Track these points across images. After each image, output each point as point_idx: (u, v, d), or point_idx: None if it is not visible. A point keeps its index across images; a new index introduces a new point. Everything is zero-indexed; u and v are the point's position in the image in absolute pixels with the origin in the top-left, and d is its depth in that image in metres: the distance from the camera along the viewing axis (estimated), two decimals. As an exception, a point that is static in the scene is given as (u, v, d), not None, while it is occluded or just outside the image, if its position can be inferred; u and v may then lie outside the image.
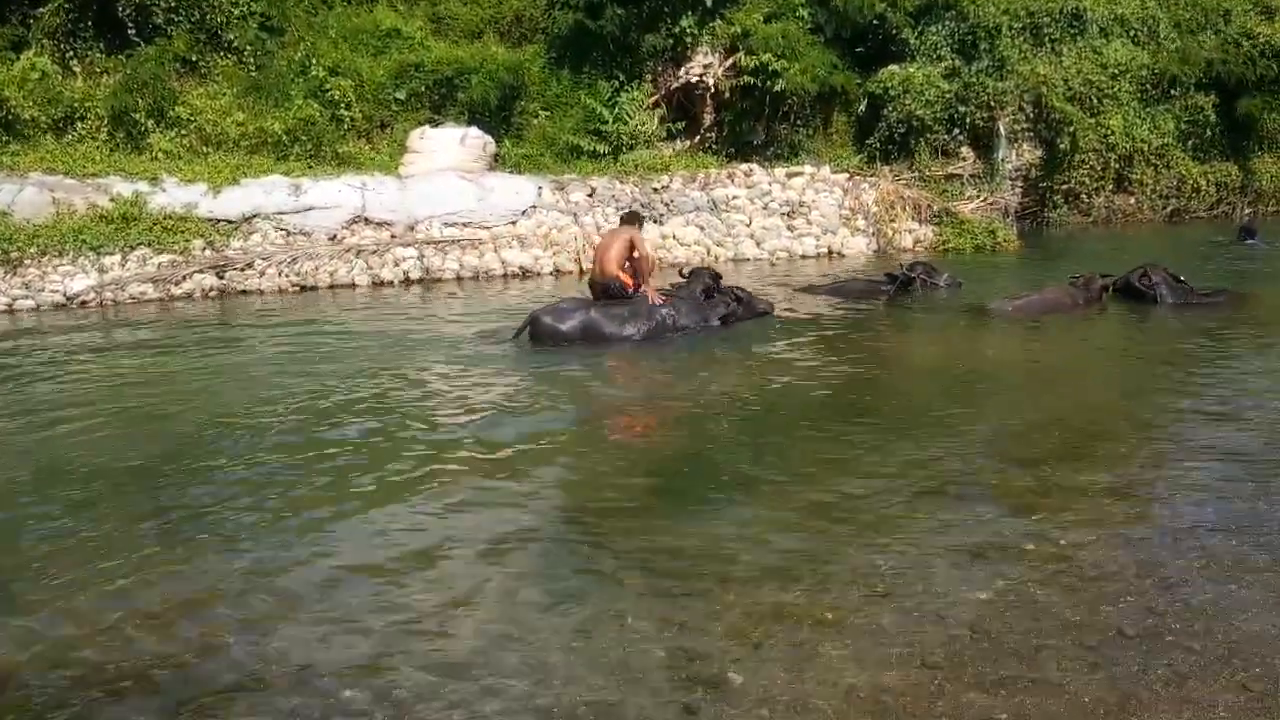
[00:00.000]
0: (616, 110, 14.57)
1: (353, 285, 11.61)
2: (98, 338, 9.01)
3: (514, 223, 12.56)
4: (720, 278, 8.69)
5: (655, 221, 12.75)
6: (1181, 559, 3.59)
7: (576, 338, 7.38)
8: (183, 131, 13.19)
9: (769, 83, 14.75)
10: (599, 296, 8.15)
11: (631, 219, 8.59)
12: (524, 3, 16.18)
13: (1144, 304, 8.56)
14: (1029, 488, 4.33)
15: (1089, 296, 8.58)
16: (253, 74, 14.24)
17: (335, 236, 11.99)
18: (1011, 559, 3.62)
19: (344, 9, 15.45)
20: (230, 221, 11.73)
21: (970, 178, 15.65)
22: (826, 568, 3.59)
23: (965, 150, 15.79)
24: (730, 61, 15.27)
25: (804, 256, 13.24)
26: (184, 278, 11.10)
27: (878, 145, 15.51)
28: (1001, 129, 15.76)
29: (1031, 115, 15.87)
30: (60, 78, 13.34)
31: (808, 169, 14.10)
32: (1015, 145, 16.01)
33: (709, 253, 12.89)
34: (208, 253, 11.43)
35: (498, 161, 14.14)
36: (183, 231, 11.41)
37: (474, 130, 13.87)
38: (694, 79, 15.36)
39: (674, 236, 12.96)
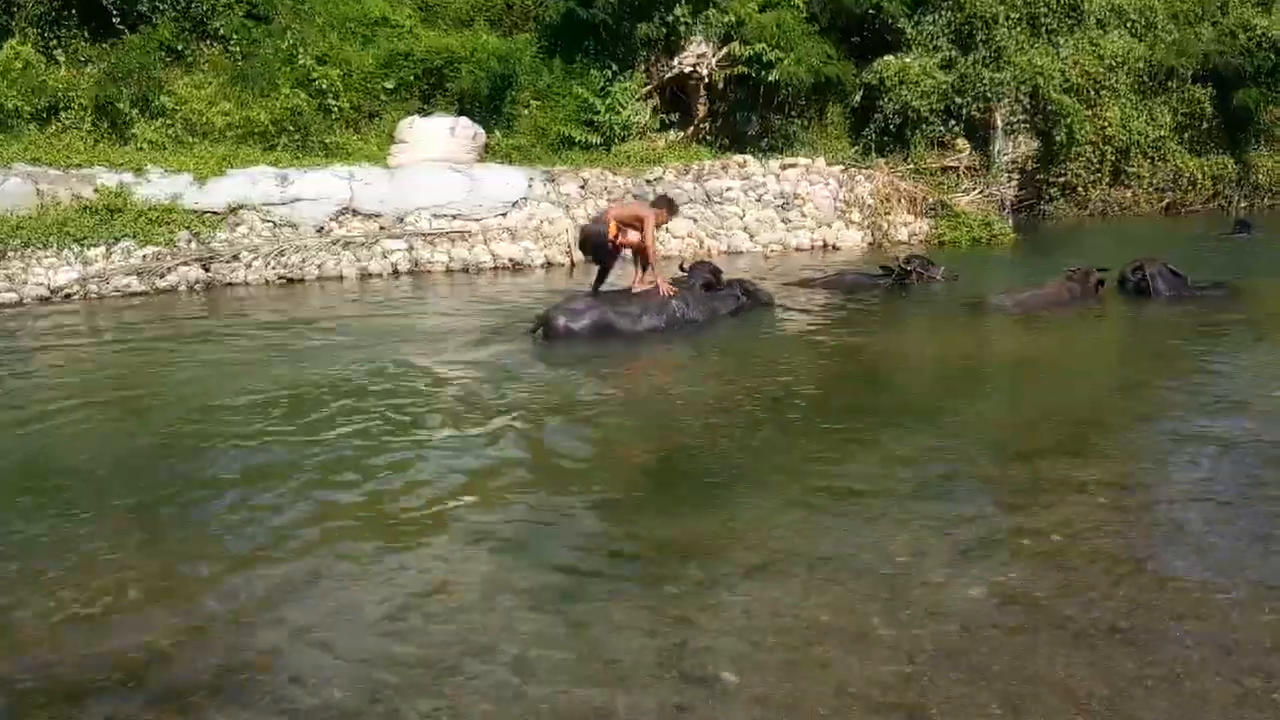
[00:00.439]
0: (609, 100, 14.45)
1: (340, 277, 11.49)
2: (81, 330, 8.89)
3: (504, 215, 12.43)
4: (720, 272, 8.64)
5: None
6: (1177, 553, 3.52)
7: (590, 335, 7.25)
8: (168, 121, 13.06)
9: (763, 73, 14.65)
10: (585, 244, 8.19)
11: (663, 202, 8.50)
12: (515, -9, 16.07)
13: (1141, 297, 8.47)
14: (1024, 482, 4.25)
15: (1086, 290, 8.48)
16: (239, 63, 14.10)
17: (323, 228, 11.86)
18: (1005, 553, 3.54)
19: (332, -3, 15.31)
20: (216, 213, 11.58)
21: (966, 170, 15.58)
22: (819, 563, 3.50)
23: (961, 142, 15.71)
24: (724, 51, 15.16)
25: (798, 249, 13.14)
26: (169, 270, 10.96)
27: (873, 137, 15.42)
28: (998, 121, 15.67)
29: (1028, 107, 15.80)
30: (44, 67, 13.17)
31: (802, 161, 13.99)
32: (1012, 137, 15.94)
33: (702, 245, 12.78)
34: (193, 245, 11.29)
35: (488, 152, 14.02)
36: (168, 223, 11.27)
37: (464, 120, 13.74)
38: (687, 69, 15.25)
39: (667, 229, 12.83)
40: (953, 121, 15.51)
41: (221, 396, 6.07)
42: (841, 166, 14.23)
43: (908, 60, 15.53)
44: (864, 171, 14.20)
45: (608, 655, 2.94)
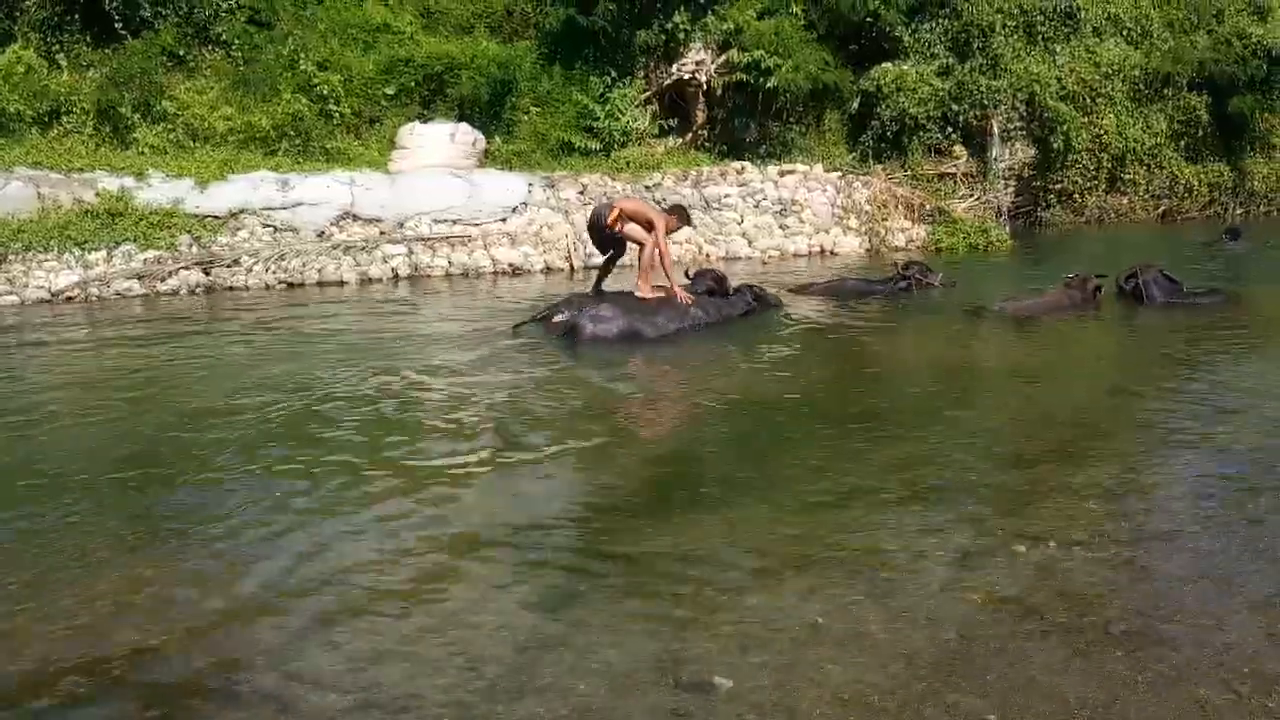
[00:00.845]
0: (608, 107, 14.50)
1: (340, 282, 11.52)
2: (80, 334, 8.91)
3: (504, 220, 12.48)
4: (724, 279, 8.74)
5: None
6: (1172, 561, 3.56)
7: (616, 341, 7.43)
8: (169, 126, 13.11)
9: (762, 80, 14.71)
10: (592, 228, 8.43)
11: (676, 210, 8.68)
12: (515, -2, 16.12)
13: (1136, 304, 8.53)
14: (1020, 487, 4.29)
15: (1085, 297, 8.56)
16: (240, 68, 14.15)
17: (323, 233, 11.90)
18: (1001, 559, 3.57)
19: (333, 3, 15.35)
20: (217, 217, 11.63)
21: (963, 177, 15.63)
22: (815, 569, 3.53)
23: (958, 149, 15.76)
24: (723, 58, 15.22)
25: (796, 255, 13.19)
26: (169, 274, 10.99)
27: (871, 143, 15.48)
28: (995, 128, 15.73)
29: (1025, 114, 15.86)
30: (46, 71, 13.22)
31: (800, 167, 14.04)
32: (1008, 144, 16.00)
33: (700, 251, 12.83)
34: (194, 249, 11.33)
35: (488, 158, 14.07)
36: (169, 227, 11.31)
37: (464, 126, 13.79)
38: (686, 75, 15.31)
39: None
40: (950, 128, 15.57)
41: (217, 399, 6.11)
42: (839, 173, 14.29)
43: (905, 67, 15.59)
44: (861, 178, 14.26)
45: (602, 660, 2.96)
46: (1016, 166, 16.09)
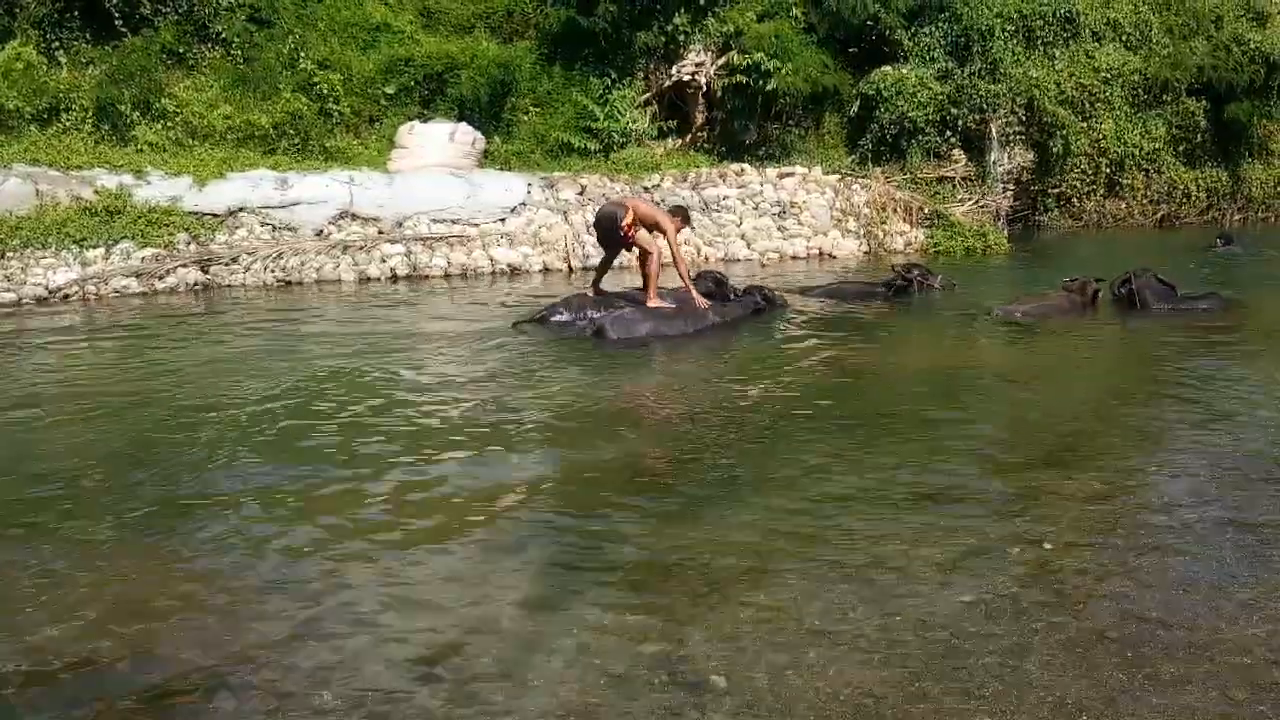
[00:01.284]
0: (608, 108, 14.50)
1: (339, 281, 11.52)
2: (77, 331, 8.91)
3: (503, 220, 12.47)
4: (725, 281, 8.79)
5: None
6: (1167, 565, 3.57)
7: (642, 343, 7.70)
8: (169, 124, 13.07)
9: (761, 82, 14.71)
10: (599, 222, 8.42)
11: (680, 212, 8.76)
12: (516, -2, 16.11)
13: (1131, 309, 8.55)
14: (1015, 491, 4.31)
15: (1084, 300, 8.61)
16: (240, 66, 14.12)
17: (322, 232, 11.88)
18: (995, 563, 3.59)
19: (333, 2, 15.32)
20: (215, 215, 11.61)
21: (962, 180, 15.64)
22: (811, 570, 3.55)
23: (957, 153, 15.78)
24: (723, 60, 15.23)
25: (794, 257, 13.20)
26: (167, 272, 10.99)
27: (870, 146, 15.48)
28: (994, 132, 15.75)
29: (1024, 118, 15.88)
30: (45, 68, 13.20)
31: (799, 170, 14.05)
32: (1007, 148, 16.01)
33: (699, 252, 12.84)
34: (192, 247, 11.32)
35: (487, 158, 14.06)
36: (167, 225, 11.28)
37: (464, 126, 13.78)
38: (686, 77, 15.31)
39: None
40: (949, 132, 15.58)
41: (212, 396, 6.11)
42: (838, 176, 14.29)
43: (904, 71, 15.60)
44: (860, 181, 14.27)
45: (598, 660, 2.97)
46: (1015, 171, 16.11)
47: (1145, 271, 8.78)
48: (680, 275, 8.17)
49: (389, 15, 15.38)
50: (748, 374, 6.83)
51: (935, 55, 15.88)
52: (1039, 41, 16.27)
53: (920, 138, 15.42)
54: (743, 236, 13.27)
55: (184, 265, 11.08)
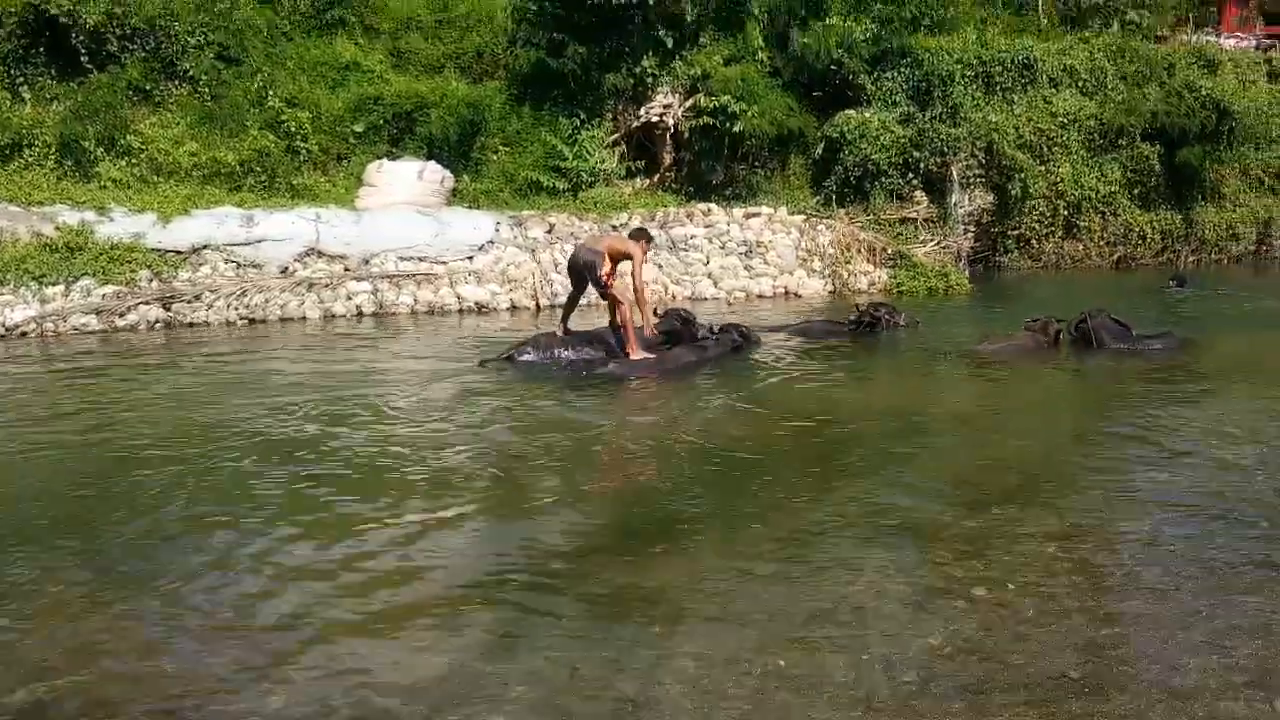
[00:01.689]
0: (576, 148, 14.62)
1: (303, 319, 11.42)
2: (32, 368, 8.75)
3: (470, 258, 12.47)
4: (692, 320, 8.84)
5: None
6: (1127, 604, 3.61)
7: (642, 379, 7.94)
8: (133, 160, 12.98)
9: (728, 124, 14.91)
10: (572, 266, 8.44)
11: (641, 234, 8.79)
12: (485, 39, 16.24)
13: (1088, 348, 8.70)
14: (978, 531, 4.34)
15: (1047, 340, 8.76)
16: (208, 104, 14.08)
17: (287, 269, 11.81)
18: (961, 602, 3.60)
19: (303, 41, 15.38)
20: (179, 252, 11.49)
21: (924, 222, 15.89)
22: (779, 612, 3.54)
23: (919, 194, 16.05)
24: (690, 102, 15.43)
25: (760, 296, 13.30)
26: (128, 309, 10.84)
27: (834, 188, 15.71)
28: (954, 174, 16.06)
29: (983, 161, 16.20)
30: (9, 104, 13.09)
31: (765, 210, 14.22)
32: (968, 191, 16.30)
33: (666, 291, 12.90)
34: (155, 284, 11.19)
35: (456, 196, 14.09)
36: (129, 262, 11.15)
37: (432, 164, 13.82)
38: (654, 118, 15.49)
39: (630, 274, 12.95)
40: (911, 175, 15.86)
41: (172, 434, 6.01)
42: (803, 216, 14.48)
43: (867, 115, 15.90)
44: (825, 221, 14.46)
45: (562, 702, 2.95)
46: (975, 212, 16.40)
47: (1100, 312, 8.96)
48: (639, 306, 8.19)
49: (359, 55, 15.45)
50: (715, 413, 6.84)
51: (897, 99, 16.21)
52: (998, 87, 16.68)
53: (883, 179, 15.67)
54: (710, 275, 13.37)
55: (145, 303, 10.94)
